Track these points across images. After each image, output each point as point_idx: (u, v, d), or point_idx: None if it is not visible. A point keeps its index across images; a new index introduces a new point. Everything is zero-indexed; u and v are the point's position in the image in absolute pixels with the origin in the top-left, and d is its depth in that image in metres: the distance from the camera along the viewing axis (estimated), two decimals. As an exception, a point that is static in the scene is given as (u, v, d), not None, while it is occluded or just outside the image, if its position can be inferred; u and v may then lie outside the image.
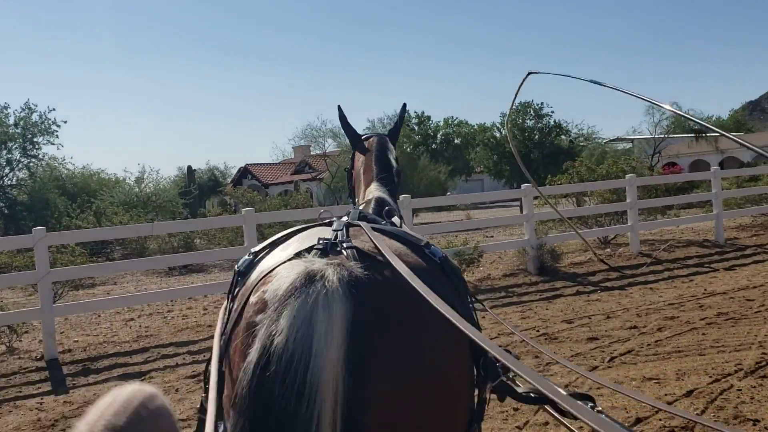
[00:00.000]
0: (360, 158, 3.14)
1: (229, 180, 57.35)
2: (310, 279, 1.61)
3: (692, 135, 35.98)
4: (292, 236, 2.10)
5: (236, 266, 2.10)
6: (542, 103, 33.31)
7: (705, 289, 8.91)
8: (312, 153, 46.46)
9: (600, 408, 1.73)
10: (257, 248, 2.12)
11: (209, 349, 7.82)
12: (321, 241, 1.88)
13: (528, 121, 33.15)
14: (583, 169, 15.08)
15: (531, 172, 30.64)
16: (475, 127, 41.88)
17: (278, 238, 2.12)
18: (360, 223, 2.12)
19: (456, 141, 42.11)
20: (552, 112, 33.90)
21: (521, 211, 30.39)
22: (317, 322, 1.52)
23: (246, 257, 2.10)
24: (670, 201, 14.69)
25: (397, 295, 1.70)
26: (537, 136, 32.46)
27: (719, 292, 8.59)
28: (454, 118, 43.82)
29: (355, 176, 3.17)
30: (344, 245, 1.87)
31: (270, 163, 55.88)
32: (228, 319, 1.91)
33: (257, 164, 56.87)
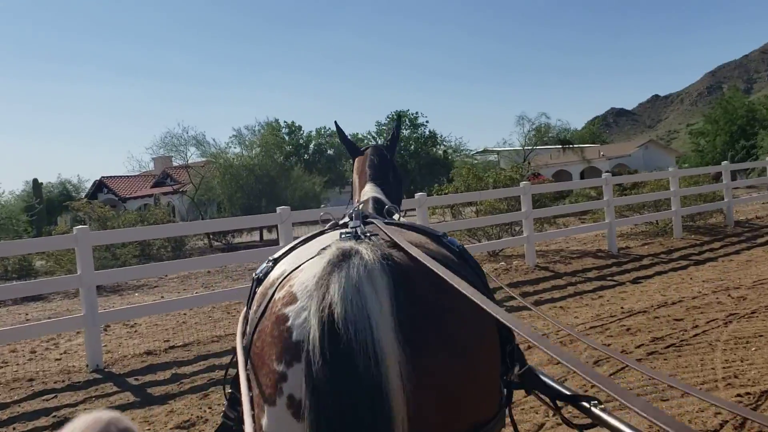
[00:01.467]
0: (357, 166, 3.20)
1: (83, 194, 52.70)
2: (346, 255, 1.62)
3: (559, 146, 36.86)
4: (311, 239, 2.11)
5: (255, 274, 2.08)
6: (417, 113, 32.71)
7: (621, 308, 8.01)
8: (174, 164, 43.30)
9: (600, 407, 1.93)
10: (276, 255, 2.12)
11: (23, 417, 5.17)
12: (344, 235, 1.89)
13: (404, 131, 32.38)
14: (470, 178, 14.14)
15: (408, 182, 29.88)
16: (349, 137, 40.61)
17: (297, 243, 2.13)
18: (374, 220, 2.16)
19: (329, 152, 40.65)
20: (427, 122, 33.44)
21: (399, 223, 29.67)
22: (366, 292, 1.53)
23: (265, 264, 2.08)
24: (563, 210, 14.06)
25: (428, 273, 1.69)
26: (413, 147, 31.74)
27: (639, 311, 7.69)
28: (327, 128, 42.41)
29: (353, 183, 3.22)
30: (369, 234, 1.90)
31: (128, 176, 51.81)
32: (248, 323, 1.87)
33: (114, 177, 52.64)
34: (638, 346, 6.15)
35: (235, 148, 31.68)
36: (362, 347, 1.46)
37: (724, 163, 16.16)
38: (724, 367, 5.23)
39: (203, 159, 32.47)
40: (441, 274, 1.66)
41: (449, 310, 1.69)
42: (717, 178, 18.38)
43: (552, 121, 35.01)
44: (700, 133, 42.00)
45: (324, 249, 1.75)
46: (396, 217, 2.63)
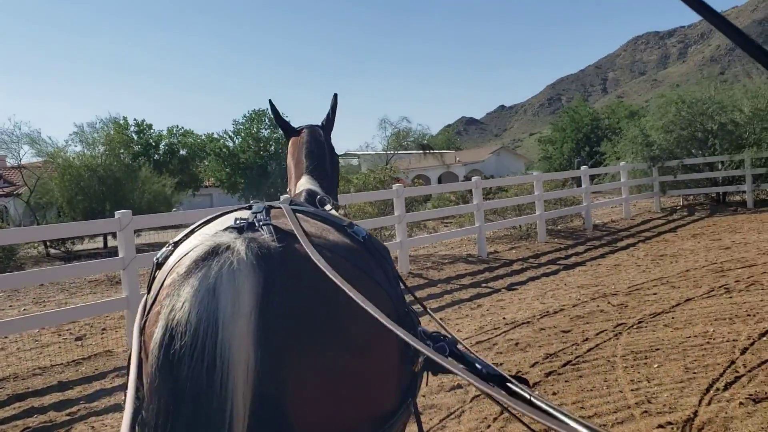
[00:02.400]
0: (292, 150, 3.09)
1: None
2: (214, 251, 1.51)
3: (419, 151, 37.14)
4: (212, 221, 1.99)
5: (155, 258, 1.98)
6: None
7: (504, 318, 7.53)
8: (8, 165, 38.88)
9: (535, 393, 1.74)
10: (177, 238, 2.01)
11: None
12: (238, 221, 1.77)
13: (263, 131, 30.92)
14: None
15: (268, 185, 28.63)
16: (203, 137, 38.53)
17: (198, 224, 2.01)
18: (281, 204, 2.03)
19: (182, 152, 38.22)
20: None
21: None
22: (221, 293, 1.42)
23: (166, 248, 1.97)
24: (436, 214, 13.59)
25: (313, 270, 1.57)
26: (273, 147, 30.37)
27: (523, 322, 7.22)
28: (180, 127, 39.87)
29: (288, 169, 3.11)
30: (261, 223, 1.77)
31: (-47, 176, 46.06)
32: (144, 309, 1.77)
33: (-66, 177, 46.63)
34: (533, 365, 5.59)
35: (75, 146, 28.70)
36: (197, 354, 1.37)
37: (583, 167, 16.53)
38: (632, 390, 4.74)
39: (41, 159, 29.18)
40: (329, 273, 1.55)
41: (336, 311, 1.57)
42: (565, 183, 18.88)
43: (413, 126, 35.10)
44: (549, 140, 44.04)
45: (204, 241, 1.64)
46: (328, 207, 2.52)
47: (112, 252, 22.47)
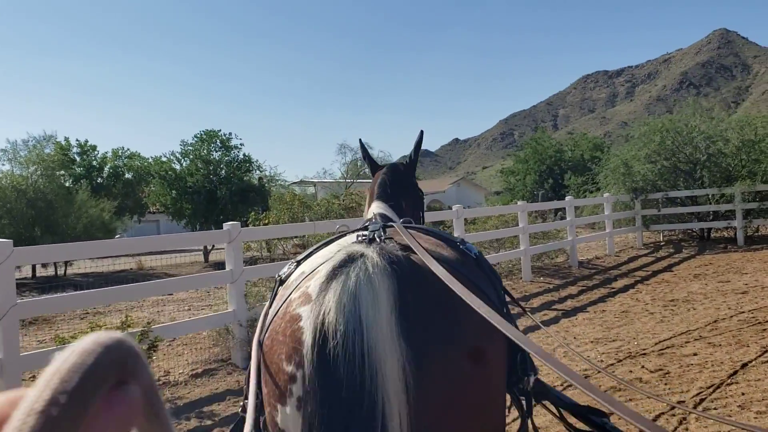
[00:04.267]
0: (371, 184, 3.24)
1: None
2: (350, 259, 1.63)
3: (379, 178, 35.61)
4: (332, 242, 2.12)
5: (278, 274, 2.11)
6: (231, 134, 29.24)
7: (513, 387, 5.78)
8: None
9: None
10: (300, 257, 2.14)
11: None
12: (360, 237, 1.93)
13: (214, 153, 28.86)
14: (296, 205, 11.51)
15: (218, 211, 26.60)
16: (150, 160, 36.15)
17: (320, 245, 2.14)
18: (394, 223, 2.21)
19: (127, 175, 35.74)
20: (242, 144, 30.32)
21: (206, 259, 25.84)
22: (362, 297, 1.52)
23: (288, 266, 2.10)
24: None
25: (436, 279, 1.65)
26: (224, 171, 28.32)
27: (542, 394, 5.50)
28: (125, 149, 37.42)
29: (366, 200, 3.23)
30: (383, 238, 1.90)
31: None
32: (266, 319, 1.86)
33: None
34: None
35: (3, 165, 26.15)
36: (349, 353, 1.45)
37: (568, 198, 15.07)
38: None
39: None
40: (445, 280, 1.63)
41: (459, 314, 1.64)
42: (530, 215, 17.47)
43: (375, 152, 33.67)
44: (510, 171, 43.05)
45: (338, 252, 1.75)
46: None
47: (42, 282, 20.07)
